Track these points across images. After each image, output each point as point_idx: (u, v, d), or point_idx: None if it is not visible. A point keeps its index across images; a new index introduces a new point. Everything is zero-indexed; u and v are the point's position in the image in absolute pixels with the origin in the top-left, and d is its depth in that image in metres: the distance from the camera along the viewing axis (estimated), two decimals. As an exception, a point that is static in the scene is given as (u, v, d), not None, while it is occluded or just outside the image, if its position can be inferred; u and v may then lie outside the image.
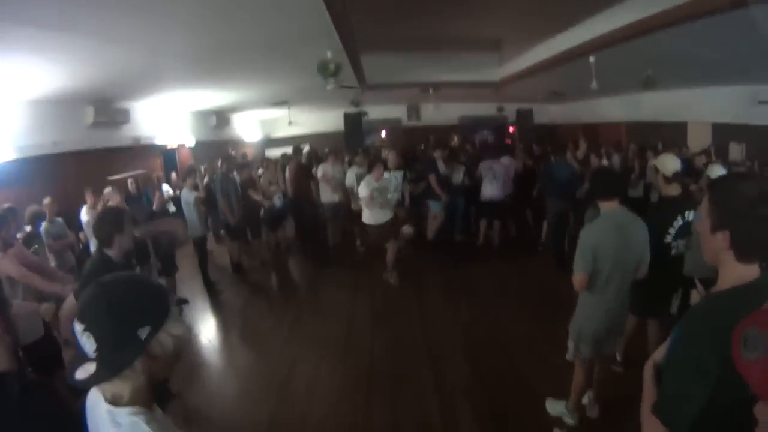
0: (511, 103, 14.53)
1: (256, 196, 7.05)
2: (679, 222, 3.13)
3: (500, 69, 9.71)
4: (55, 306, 2.95)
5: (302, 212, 8.04)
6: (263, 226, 7.60)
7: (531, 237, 7.70)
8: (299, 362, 4.31)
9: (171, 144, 9.74)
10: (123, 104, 7.57)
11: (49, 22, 3.38)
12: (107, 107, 7.09)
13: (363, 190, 5.89)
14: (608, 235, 2.69)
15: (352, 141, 12.02)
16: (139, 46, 4.50)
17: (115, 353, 1.05)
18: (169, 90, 7.46)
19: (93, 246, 4.95)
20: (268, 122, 15.46)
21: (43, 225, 5.10)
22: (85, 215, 5.58)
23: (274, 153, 13.21)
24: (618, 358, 3.63)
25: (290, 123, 12.91)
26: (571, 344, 2.99)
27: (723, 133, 8.59)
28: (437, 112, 14.56)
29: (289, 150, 9.95)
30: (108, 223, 2.75)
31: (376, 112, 14.29)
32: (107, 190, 5.76)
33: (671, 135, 9.47)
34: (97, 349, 1.04)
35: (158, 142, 9.07)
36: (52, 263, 4.94)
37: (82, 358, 1.07)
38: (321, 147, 11.94)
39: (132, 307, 1.08)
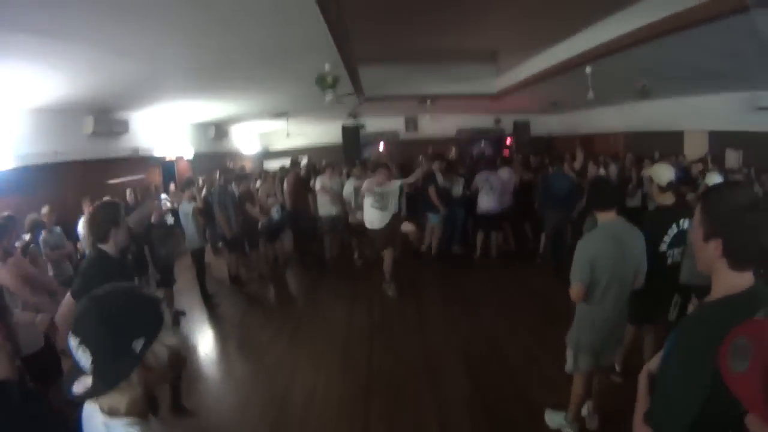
0: (508, 114, 14.65)
1: (253, 211, 7.05)
2: (673, 230, 3.14)
3: (497, 81, 9.81)
4: (50, 317, 2.93)
5: (300, 225, 8.04)
6: (261, 238, 7.59)
7: (529, 249, 7.70)
8: (297, 374, 4.29)
9: (170, 156, 9.77)
10: (122, 115, 7.62)
11: (50, 31, 3.42)
12: (106, 117, 7.13)
13: (367, 198, 5.97)
14: (606, 246, 2.68)
15: (350, 153, 12.08)
16: (138, 56, 4.55)
17: (111, 366, 1.04)
18: (167, 101, 7.51)
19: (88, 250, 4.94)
20: (266, 134, 15.53)
21: (42, 234, 5.09)
22: (82, 227, 5.57)
23: (273, 165, 13.23)
24: (617, 368, 3.62)
25: (288, 135, 12.96)
26: (569, 356, 2.97)
27: (719, 140, 8.66)
28: (435, 124, 14.68)
29: (287, 162, 9.96)
30: (104, 216, 2.67)
31: (373, 124, 14.40)
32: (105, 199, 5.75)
33: (668, 144, 9.53)
34: (93, 363, 1.03)
35: (157, 153, 9.10)
36: (50, 272, 4.92)
37: (78, 370, 1.07)
38: (319, 159, 11.98)
39: (126, 319, 1.07)
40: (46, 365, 3.04)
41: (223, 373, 4.59)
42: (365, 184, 5.99)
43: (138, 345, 1.06)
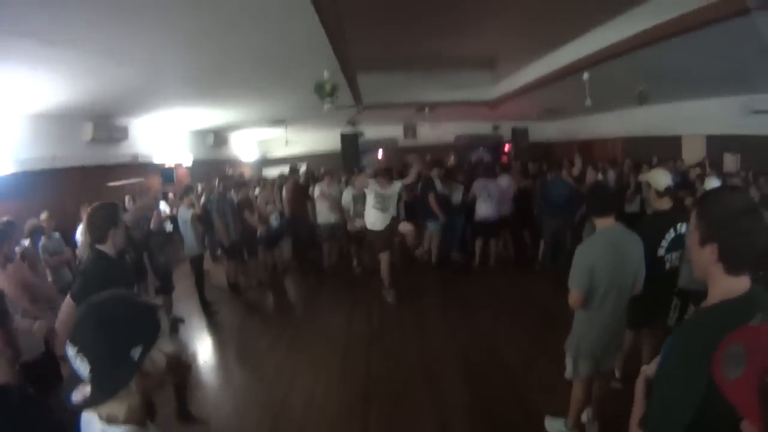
0: (506, 121, 14.68)
1: (252, 220, 7.05)
2: (671, 234, 3.15)
3: (495, 87, 9.84)
4: (47, 324, 2.92)
5: (299, 232, 8.04)
6: (260, 245, 7.58)
7: (528, 256, 7.70)
8: (296, 381, 4.27)
9: (169, 162, 9.77)
10: (122, 121, 7.63)
11: (49, 37, 3.44)
12: (106, 123, 7.14)
13: (369, 199, 6.06)
14: (605, 252, 2.68)
15: (348, 161, 12.09)
16: (137, 63, 4.57)
17: (109, 375, 1.04)
18: (167, 108, 7.55)
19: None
20: (265, 142, 15.57)
21: (41, 240, 5.08)
22: (80, 233, 5.56)
23: (272, 173, 13.26)
24: (617, 374, 3.61)
25: (287, 143, 12.98)
26: (569, 362, 2.96)
27: (717, 144, 8.71)
28: (433, 132, 14.72)
29: (286, 170, 9.98)
30: (102, 217, 2.67)
31: (372, 131, 14.43)
32: None
33: (666, 149, 9.57)
34: (91, 372, 1.03)
35: (156, 160, 9.12)
36: (48, 278, 4.90)
37: (77, 378, 1.06)
38: (318, 167, 12.00)
39: (124, 327, 1.07)
40: (46, 371, 3.03)
41: (221, 380, 4.57)
42: (370, 183, 6.04)
43: (136, 353, 1.06)
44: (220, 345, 5.40)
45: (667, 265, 3.20)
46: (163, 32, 3.81)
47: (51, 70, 4.25)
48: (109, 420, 1.07)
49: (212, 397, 4.21)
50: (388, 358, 4.61)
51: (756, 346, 0.94)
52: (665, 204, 3.29)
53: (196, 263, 6.34)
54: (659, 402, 1.23)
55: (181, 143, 10.34)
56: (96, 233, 2.67)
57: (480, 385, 3.96)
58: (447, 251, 7.82)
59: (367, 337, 5.14)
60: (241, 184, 7.68)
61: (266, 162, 15.80)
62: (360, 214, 7.23)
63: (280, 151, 15.06)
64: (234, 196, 7.12)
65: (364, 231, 6.45)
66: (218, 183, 7.29)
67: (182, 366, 3.36)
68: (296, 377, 4.36)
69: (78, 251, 5.71)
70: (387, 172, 6.13)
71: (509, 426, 3.41)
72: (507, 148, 15.33)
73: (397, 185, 6.14)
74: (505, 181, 7.58)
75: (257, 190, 8.82)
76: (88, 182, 6.88)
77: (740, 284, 1.20)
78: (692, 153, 9.13)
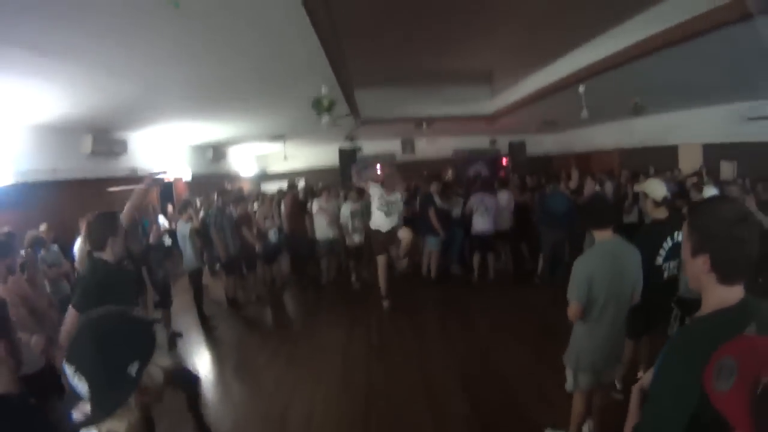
0: (504, 135, 14.79)
1: (250, 237, 7.06)
2: (668, 243, 3.17)
3: (492, 101, 9.92)
4: (45, 339, 2.90)
5: (298, 247, 8.03)
6: (258, 260, 7.57)
7: (526, 269, 7.69)
8: (295, 397, 4.23)
9: (168, 176, 9.78)
10: (121, 135, 7.67)
11: (48, 49, 3.47)
12: (105, 137, 7.17)
13: (374, 202, 6.15)
14: (603, 264, 2.68)
15: (347, 176, 12.14)
16: (137, 77, 4.62)
17: (108, 393, 1.03)
18: (166, 122, 7.59)
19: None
20: (263, 157, 15.63)
21: (41, 252, 5.07)
22: (78, 247, 5.54)
23: (270, 187, 13.28)
24: (618, 385, 3.59)
25: (286, 158, 13.03)
26: (569, 375, 2.94)
27: (714, 152, 8.78)
28: (431, 146, 14.80)
29: (284, 184, 10.00)
30: (103, 225, 2.70)
31: (370, 147, 14.51)
32: None
33: (663, 158, 9.64)
34: (90, 390, 1.02)
35: (159, 176, 9.07)
36: (47, 289, 4.88)
37: (77, 396, 1.06)
38: (316, 182, 12.03)
39: (119, 344, 1.07)
40: (45, 384, 3.00)
41: (220, 395, 4.53)
42: (377, 190, 6.13)
43: (133, 369, 1.05)
44: (219, 360, 5.36)
45: (666, 274, 3.21)
46: (162, 47, 3.85)
47: (49, 81, 4.26)
48: (110, 436, 1.06)
49: (211, 412, 4.15)
50: (388, 371, 4.58)
51: (747, 357, 0.94)
52: (662, 213, 3.31)
53: (195, 277, 6.33)
54: (652, 412, 1.24)
55: (180, 157, 10.38)
56: (95, 240, 2.69)
57: (479, 398, 3.93)
58: (446, 265, 7.82)
59: (366, 351, 5.11)
60: (240, 199, 7.70)
61: (265, 177, 15.85)
62: (358, 230, 7.25)
63: (278, 166, 15.12)
64: (233, 211, 7.12)
65: (371, 233, 6.52)
66: (217, 197, 7.30)
67: (189, 378, 3.32)
68: (295, 391, 4.32)
69: (76, 264, 5.69)
70: (392, 180, 6.21)
71: (510, 438, 3.37)
72: (505, 161, 15.41)
73: (398, 193, 6.21)
74: (504, 197, 7.55)
75: (256, 205, 8.82)
76: (87, 195, 6.88)
77: (733, 294, 1.20)
78: (689, 162, 9.19)
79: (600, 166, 11.86)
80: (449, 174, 11.64)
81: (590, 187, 6.94)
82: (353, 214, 7.23)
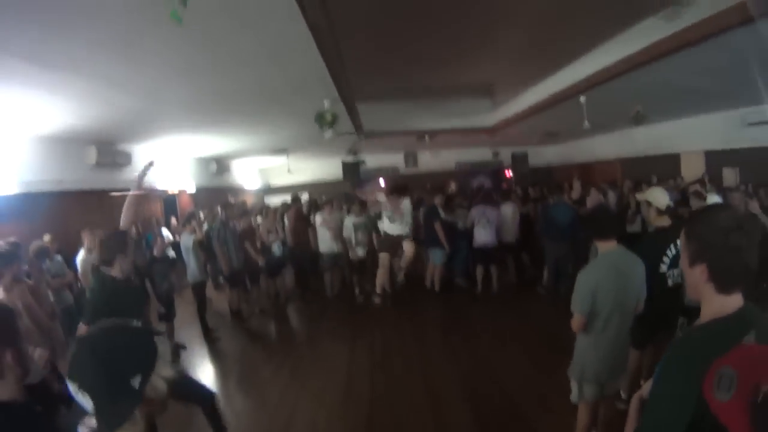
0: (506, 147, 14.82)
1: (253, 252, 7.07)
2: (672, 251, 3.16)
3: (494, 114, 9.95)
4: (48, 352, 2.91)
5: (302, 261, 8.03)
6: (262, 274, 7.57)
7: (528, 279, 7.68)
8: (298, 410, 4.20)
9: (172, 189, 9.85)
10: (125, 146, 7.73)
11: (55, 63, 3.53)
12: (110, 149, 7.23)
13: (384, 210, 6.34)
14: (607, 275, 2.66)
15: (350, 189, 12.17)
16: (140, 90, 4.67)
17: (113, 407, 1.04)
18: (169, 134, 7.65)
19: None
20: (267, 170, 15.70)
21: (45, 262, 5.10)
22: (80, 260, 5.57)
23: (274, 201, 13.33)
24: (623, 395, 3.55)
25: (289, 171, 13.10)
26: (574, 386, 2.92)
27: (715, 159, 8.78)
28: (434, 159, 14.85)
29: (288, 198, 10.04)
30: (114, 243, 2.74)
31: (373, 160, 14.56)
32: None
33: (665, 167, 9.63)
34: (95, 405, 1.03)
35: (159, 186, 9.18)
36: (51, 299, 4.90)
37: (81, 410, 1.06)
38: (320, 195, 12.06)
39: (119, 358, 1.08)
40: (48, 394, 3.00)
41: (223, 408, 4.49)
42: (381, 199, 6.33)
43: (136, 382, 1.06)
44: (222, 372, 5.34)
45: (670, 282, 3.19)
46: (165, 60, 3.90)
47: (53, 93, 4.32)
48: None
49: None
50: (391, 383, 4.56)
51: (747, 366, 0.95)
52: (665, 221, 3.31)
53: (198, 290, 6.33)
54: (651, 420, 1.24)
55: (184, 170, 10.45)
56: (105, 255, 2.73)
57: (483, 409, 3.90)
58: (450, 277, 7.79)
59: (370, 364, 5.09)
60: (243, 212, 7.72)
61: (269, 190, 15.92)
62: (361, 243, 7.26)
63: (282, 180, 15.20)
64: (236, 225, 7.14)
65: (381, 237, 6.66)
66: (221, 211, 7.32)
67: (201, 392, 3.29)
68: (299, 404, 4.30)
69: (79, 274, 5.72)
70: (397, 190, 6.29)
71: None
72: (508, 173, 15.43)
73: (406, 202, 6.27)
74: (509, 209, 7.51)
75: (260, 219, 8.85)
76: (90, 206, 6.93)
77: (732, 302, 1.20)
78: (691, 169, 9.18)
79: (602, 176, 11.85)
80: (452, 187, 11.67)
81: (595, 197, 6.90)
82: (356, 227, 7.24)
